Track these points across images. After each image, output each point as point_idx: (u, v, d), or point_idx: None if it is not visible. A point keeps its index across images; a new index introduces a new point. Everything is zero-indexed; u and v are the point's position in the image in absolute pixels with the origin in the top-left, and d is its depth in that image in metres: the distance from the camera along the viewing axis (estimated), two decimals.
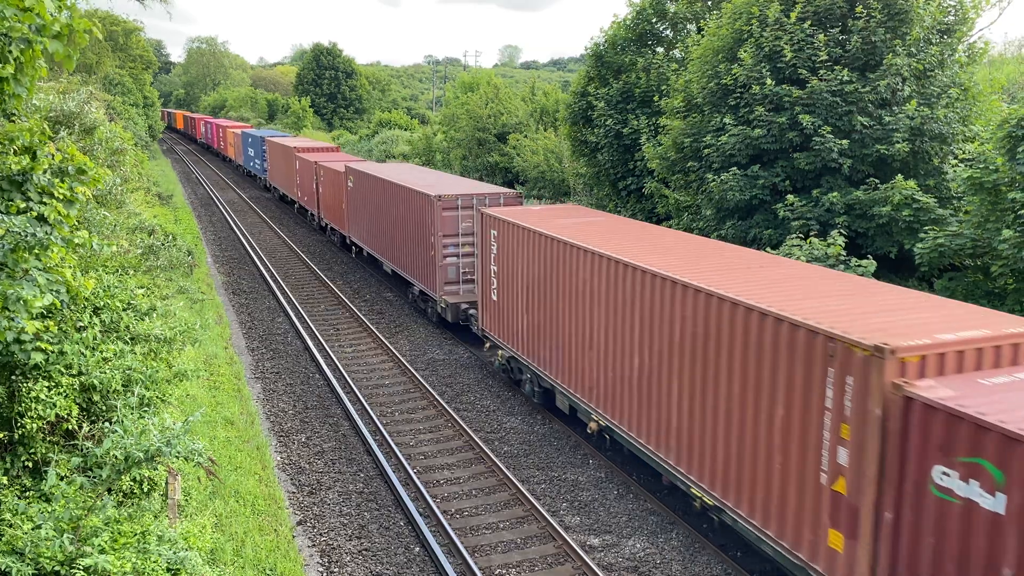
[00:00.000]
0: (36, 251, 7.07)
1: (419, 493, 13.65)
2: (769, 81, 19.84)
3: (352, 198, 31.41)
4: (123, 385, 9.65)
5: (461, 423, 16.37)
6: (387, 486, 14.09)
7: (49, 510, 7.77)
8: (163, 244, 18.88)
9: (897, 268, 19.71)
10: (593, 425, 14.35)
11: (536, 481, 14.35)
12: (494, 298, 18.30)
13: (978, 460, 7.47)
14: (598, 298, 13.88)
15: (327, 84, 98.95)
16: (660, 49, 31.27)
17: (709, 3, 29.86)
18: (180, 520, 10.00)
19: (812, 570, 9.47)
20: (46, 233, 7.17)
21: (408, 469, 14.39)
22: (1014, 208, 15.26)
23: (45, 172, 7.70)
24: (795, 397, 9.62)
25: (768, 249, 18.22)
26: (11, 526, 7.53)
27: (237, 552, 10.85)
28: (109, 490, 8.64)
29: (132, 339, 11.02)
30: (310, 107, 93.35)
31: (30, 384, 8.71)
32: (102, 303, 10.81)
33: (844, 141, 18.96)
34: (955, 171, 16.95)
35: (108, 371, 9.50)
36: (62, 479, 8.42)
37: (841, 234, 17.46)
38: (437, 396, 17.85)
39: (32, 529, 7.42)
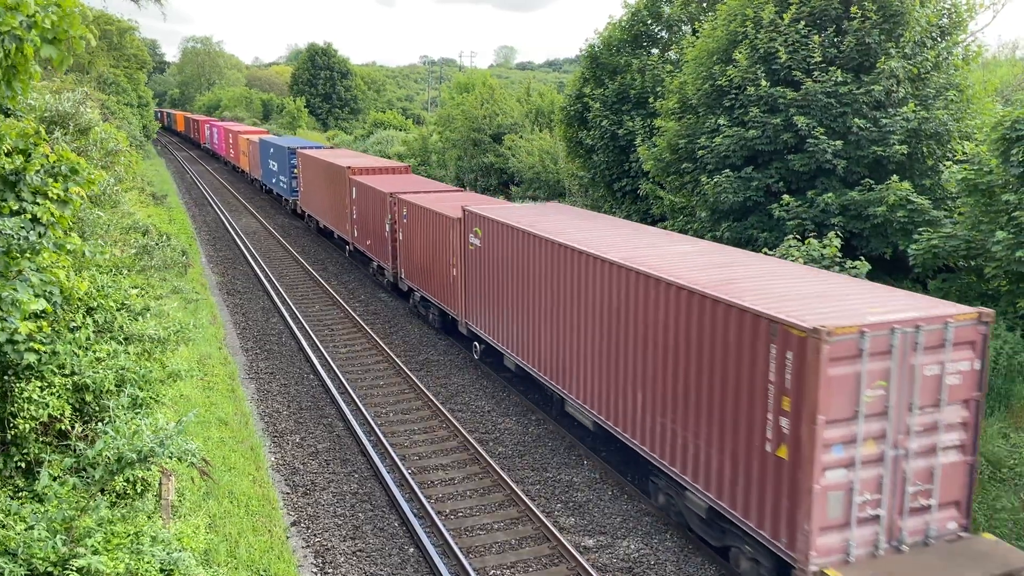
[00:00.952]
0: (28, 255, 7.05)
1: (414, 494, 13.63)
2: (764, 83, 19.87)
3: (477, 263, 18.95)
4: (116, 385, 9.62)
5: (456, 424, 16.37)
6: (381, 487, 14.07)
7: (42, 511, 7.74)
8: (157, 244, 18.83)
9: (892, 269, 19.75)
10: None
11: (531, 482, 14.35)
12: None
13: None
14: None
15: (322, 84, 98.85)
16: (655, 50, 31.32)
17: (704, 5, 29.92)
18: (174, 521, 9.98)
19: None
20: (39, 235, 7.15)
21: (403, 470, 14.38)
22: (1008, 210, 15.32)
23: (39, 172, 7.67)
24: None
25: (765, 251, 18.24)
26: (4, 527, 7.50)
27: (231, 553, 10.82)
28: (102, 490, 8.61)
29: (126, 339, 10.99)
30: (305, 107, 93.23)
31: (23, 384, 8.68)
32: (96, 303, 10.78)
33: (839, 142, 19.00)
34: (950, 172, 17.01)
35: (101, 371, 9.47)
36: (55, 480, 8.40)
37: (837, 235, 17.50)
38: (432, 397, 17.85)
39: (25, 530, 7.39)
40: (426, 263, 22.63)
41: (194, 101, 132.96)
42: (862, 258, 16.90)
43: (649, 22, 30.72)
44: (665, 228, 25.98)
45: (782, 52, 19.92)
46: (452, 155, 49.46)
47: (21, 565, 6.96)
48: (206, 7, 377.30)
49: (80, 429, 9.45)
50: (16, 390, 8.62)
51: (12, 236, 6.89)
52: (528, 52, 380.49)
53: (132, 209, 23.35)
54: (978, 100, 20.37)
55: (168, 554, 7.83)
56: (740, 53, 20.75)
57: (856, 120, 19.02)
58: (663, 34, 31.29)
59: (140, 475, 9.33)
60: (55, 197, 7.69)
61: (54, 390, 8.92)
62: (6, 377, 8.66)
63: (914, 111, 18.99)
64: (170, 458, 7.80)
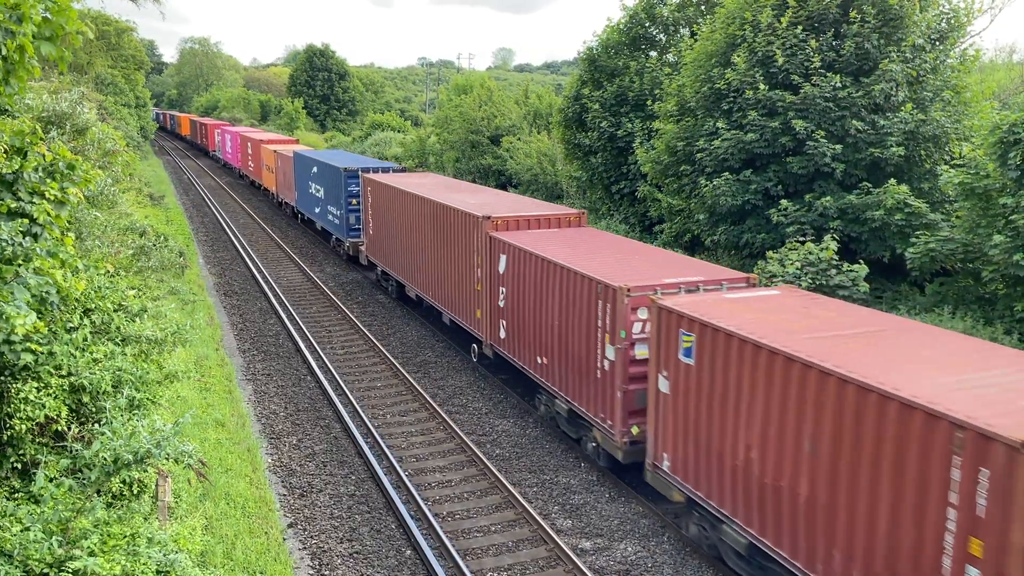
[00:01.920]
0: (20, 262, 7.02)
1: (410, 496, 13.61)
2: (762, 86, 19.89)
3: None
4: (113, 386, 9.58)
5: (453, 426, 16.34)
6: (378, 489, 14.05)
7: (38, 512, 7.70)
8: (155, 245, 18.78)
9: (890, 272, 19.78)
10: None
11: (528, 484, 14.34)
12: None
13: None
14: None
15: (320, 86, 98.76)
16: (653, 53, 31.36)
17: (702, 7, 29.95)
18: (170, 522, 9.95)
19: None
20: (34, 237, 7.12)
21: (400, 472, 14.35)
22: (1005, 213, 15.34)
23: (36, 170, 7.64)
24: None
25: (769, 254, 18.25)
26: (0, 528, 7.47)
27: (227, 554, 10.80)
28: (99, 492, 8.57)
29: (123, 340, 10.95)
30: (303, 108, 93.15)
31: (19, 385, 8.64)
32: (93, 304, 10.74)
33: (838, 146, 19.02)
34: (947, 175, 17.04)
35: (98, 372, 9.43)
36: (51, 481, 8.35)
37: (834, 239, 17.51)
38: (429, 399, 17.82)
39: (21, 531, 7.36)
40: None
41: (192, 102, 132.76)
42: (860, 261, 16.92)
43: (647, 25, 30.77)
44: (663, 230, 25.99)
45: (779, 56, 19.94)
46: (450, 157, 49.47)
47: (17, 567, 6.93)
48: (204, 8, 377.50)
49: (77, 430, 9.41)
50: (12, 391, 8.58)
51: (6, 242, 6.86)
52: (526, 54, 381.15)
53: (130, 209, 23.31)
54: (975, 102, 20.42)
55: (164, 556, 7.80)
56: (738, 56, 20.78)
57: (854, 122, 19.05)
58: (661, 37, 31.35)
59: (137, 476, 9.30)
60: (52, 198, 7.67)
61: (51, 391, 8.89)
62: (2, 378, 8.62)
63: (911, 113, 19.01)
64: (167, 459, 7.77)
